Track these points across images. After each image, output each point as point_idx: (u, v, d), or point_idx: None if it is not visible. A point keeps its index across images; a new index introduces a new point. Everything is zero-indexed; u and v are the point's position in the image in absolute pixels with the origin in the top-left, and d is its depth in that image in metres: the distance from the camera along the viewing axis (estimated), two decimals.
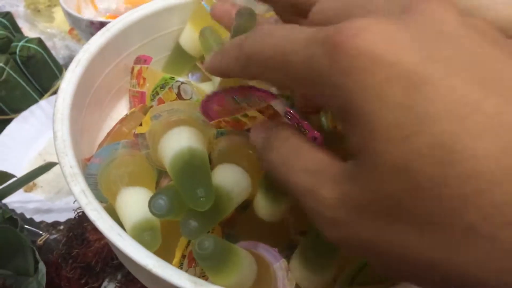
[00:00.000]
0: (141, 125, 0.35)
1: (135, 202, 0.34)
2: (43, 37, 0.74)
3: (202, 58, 0.51)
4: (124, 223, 0.33)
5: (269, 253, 0.35)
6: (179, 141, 0.33)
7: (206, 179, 0.31)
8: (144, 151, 0.36)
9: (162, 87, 0.41)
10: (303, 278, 0.34)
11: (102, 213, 0.31)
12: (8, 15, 0.75)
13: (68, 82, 0.39)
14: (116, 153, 0.37)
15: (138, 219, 0.32)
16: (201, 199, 0.29)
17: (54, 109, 0.37)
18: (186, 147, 0.32)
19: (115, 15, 0.85)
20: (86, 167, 0.38)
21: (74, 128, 0.37)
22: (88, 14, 0.87)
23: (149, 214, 0.33)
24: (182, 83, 0.39)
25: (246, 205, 0.38)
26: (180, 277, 0.28)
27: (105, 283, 0.44)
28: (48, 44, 0.77)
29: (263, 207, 0.36)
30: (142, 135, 0.35)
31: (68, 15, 0.78)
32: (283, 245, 0.38)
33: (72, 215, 0.54)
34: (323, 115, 0.47)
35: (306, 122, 0.37)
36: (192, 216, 0.30)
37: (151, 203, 0.30)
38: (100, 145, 0.40)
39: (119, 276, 0.44)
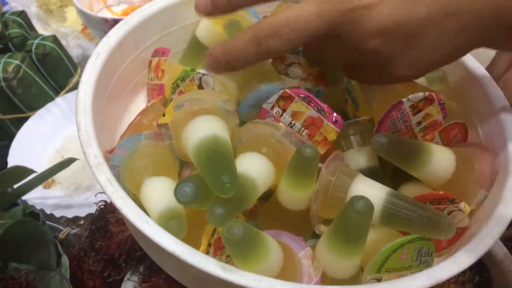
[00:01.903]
0: (164, 115, 0.35)
1: (161, 191, 0.34)
2: None
3: None
4: (149, 213, 0.33)
5: (294, 242, 0.35)
6: (202, 129, 0.33)
7: (231, 165, 0.31)
8: (167, 141, 0.36)
9: (183, 79, 0.41)
10: (329, 265, 0.33)
11: (129, 201, 0.31)
12: (22, 14, 0.76)
13: (89, 74, 0.39)
14: (139, 144, 0.37)
15: (164, 208, 0.32)
16: (226, 185, 0.29)
17: (76, 101, 0.37)
18: (210, 134, 0.32)
19: (130, 6, 0.86)
20: (109, 159, 0.38)
21: (96, 120, 0.38)
22: (101, 12, 0.87)
23: (175, 203, 0.33)
24: (203, 74, 0.39)
25: (268, 195, 0.37)
26: (209, 262, 0.28)
27: (128, 276, 0.44)
28: (62, 43, 0.78)
29: (287, 195, 0.36)
30: (165, 125, 0.35)
31: (82, 13, 0.78)
32: (307, 233, 0.38)
33: (91, 210, 0.54)
34: (344, 106, 0.47)
35: (326, 105, 0.37)
36: (218, 203, 0.30)
37: (177, 190, 0.30)
38: (121, 137, 0.40)
39: (141, 269, 0.44)
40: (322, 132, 0.37)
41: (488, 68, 0.57)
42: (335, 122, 0.37)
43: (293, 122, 0.37)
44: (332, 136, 0.37)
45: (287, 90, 0.37)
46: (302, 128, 0.37)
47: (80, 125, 0.35)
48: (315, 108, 0.36)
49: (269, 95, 0.38)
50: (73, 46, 0.88)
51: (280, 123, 0.38)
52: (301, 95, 0.37)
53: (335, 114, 0.37)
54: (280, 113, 0.37)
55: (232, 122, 0.37)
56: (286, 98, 0.37)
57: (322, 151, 0.37)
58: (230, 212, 0.31)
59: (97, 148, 0.34)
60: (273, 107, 0.37)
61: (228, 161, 0.31)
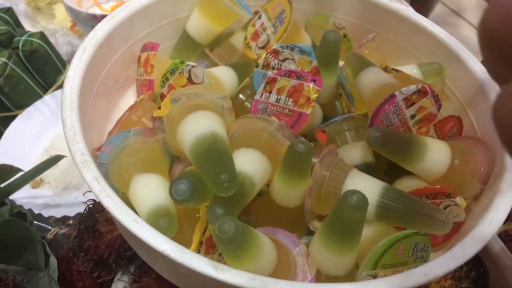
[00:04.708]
0: (159, 108, 0.34)
1: (150, 188, 0.33)
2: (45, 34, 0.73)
3: (210, 45, 0.50)
4: (138, 211, 0.32)
5: (288, 239, 0.34)
6: (201, 125, 0.32)
7: (230, 163, 0.30)
8: (160, 135, 0.35)
9: (172, 72, 0.40)
10: (324, 262, 0.33)
11: (116, 200, 0.30)
12: (9, 11, 0.74)
13: (75, 69, 0.38)
14: (127, 140, 0.36)
15: (153, 206, 0.31)
16: (225, 184, 0.29)
17: (62, 97, 0.36)
18: (209, 131, 0.31)
19: (119, 3, 0.84)
20: (97, 156, 0.37)
21: (82, 116, 0.36)
22: (90, 9, 0.86)
23: (165, 200, 0.32)
24: (192, 66, 0.38)
25: (261, 192, 0.37)
26: (200, 261, 0.27)
27: (118, 276, 0.43)
28: (50, 40, 0.76)
29: (281, 192, 0.35)
30: (159, 118, 0.34)
31: (70, 10, 0.77)
32: (301, 230, 0.37)
33: (81, 209, 0.53)
34: (338, 101, 0.46)
35: (305, 71, 0.38)
36: (217, 203, 0.29)
37: (172, 188, 0.29)
38: (110, 134, 0.39)
39: (132, 269, 0.43)
40: (305, 94, 0.38)
41: (484, 61, 0.56)
42: (314, 81, 0.38)
43: (278, 97, 0.38)
44: (314, 95, 0.38)
45: (270, 75, 0.38)
46: (287, 99, 0.38)
47: (66, 122, 0.34)
48: (295, 77, 0.38)
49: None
50: (62, 43, 0.86)
51: (273, 117, 0.38)
52: (282, 73, 0.38)
53: (312, 76, 0.38)
54: (268, 96, 0.39)
55: (228, 119, 0.36)
56: (271, 82, 0.38)
57: (308, 110, 0.38)
58: (231, 211, 0.30)
59: (84, 145, 0.33)
60: (261, 95, 0.39)
61: (227, 159, 0.31)
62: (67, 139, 0.33)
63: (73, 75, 0.37)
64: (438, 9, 1.13)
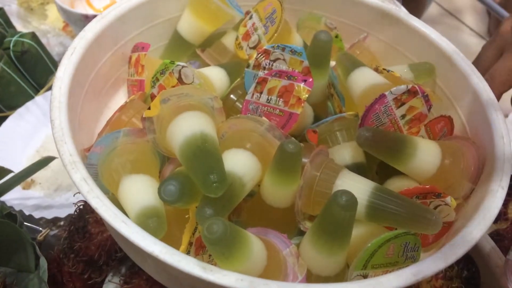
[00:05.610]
0: (149, 108, 0.34)
1: (139, 189, 0.33)
2: (37, 34, 0.73)
3: (201, 46, 0.50)
4: (127, 212, 0.32)
5: (278, 239, 0.34)
6: (191, 126, 0.32)
7: (219, 164, 0.30)
8: (150, 135, 0.35)
9: (162, 72, 0.39)
10: (314, 263, 0.32)
11: (105, 200, 0.29)
12: (1, 11, 0.74)
13: (64, 70, 0.38)
14: (117, 141, 0.36)
15: (142, 206, 0.31)
16: (214, 184, 0.29)
17: (51, 97, 0.36)
18: (198, 131, 0.31)
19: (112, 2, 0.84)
20: (86, 157, 0.36)
21: (72, 117, 0.36)
22: (82, 9, 0.85)
23: (154, 201, 0.32)
24: (182, 67, 0.38)
25: (252, 193, 0.37)
26: (188, 262, 0.27)
27: (109, 277, 0.43)
28: (42, 41, 0.75)
29: (271, 193, 0.35)
30: (149, 119, 0.34)
31: (62, 10, 0.76)
32: (292, 230, 0.37)
33: (72, 211, 0.53)
34: (330, 101, 0.46)
35: (295, 71, 0.39)
36: (207, 203, 0.29)
37: (161, 189, 0.29)
38: (99, 134, 0.39)
39: (123, 270, 0.43)
40: (295, 94, 0.38)
41: (474, 62, 0.57)
42: (305, 82, 0.38)
43: (269, 97, 0.38)
44: (304, 95, 0.38)
45: (261, 75, 0.38)
46: (278, 99, 0.38)
47: (55, 123, 0.34)
48: (286, 77, 0.38)
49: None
50: (54, 44, 0.86)
51: (263, 118, 0.38)
52: (273, 73, 0.38)
53: (303, 76, 0.38)
54: (258, 96, 0.39)
55: (218, 120, 0.36)
56: (261, 82, 0.38)
57: (298, 111, 0.38)
58: (220, 211, 0.30)
59: (72, 145, 0.33)
60: (252, 95, 0.39)
61: (216, 159, 0.31)
62: (55, 140, 0.33)
63: (62, 76, 0.37)
64: (432, 9, 1.13)
